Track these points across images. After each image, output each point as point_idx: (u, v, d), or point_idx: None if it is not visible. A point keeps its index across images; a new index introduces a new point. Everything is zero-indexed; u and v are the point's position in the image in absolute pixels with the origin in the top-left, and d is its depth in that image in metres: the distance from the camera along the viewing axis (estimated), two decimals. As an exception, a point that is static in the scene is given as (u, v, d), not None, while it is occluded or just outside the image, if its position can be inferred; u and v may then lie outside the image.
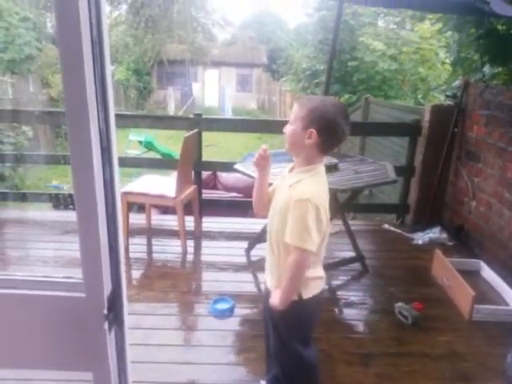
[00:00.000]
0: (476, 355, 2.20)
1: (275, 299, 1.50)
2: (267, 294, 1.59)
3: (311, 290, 1.55)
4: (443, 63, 7.34)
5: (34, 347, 1.00)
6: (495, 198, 3.13)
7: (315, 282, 1.58)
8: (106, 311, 0.91)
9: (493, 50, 3.31)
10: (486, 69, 3.52)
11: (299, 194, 1.37)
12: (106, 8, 0.82)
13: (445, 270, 2.85)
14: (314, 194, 1.37)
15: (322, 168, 1.47)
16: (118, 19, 20.43)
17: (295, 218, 1.37)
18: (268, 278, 1.61)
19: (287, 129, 1.44)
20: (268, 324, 1.68)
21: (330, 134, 1.39)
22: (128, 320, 1.01)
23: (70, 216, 3.52)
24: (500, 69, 3.49)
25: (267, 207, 1.60)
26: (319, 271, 1.60)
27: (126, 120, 4.18)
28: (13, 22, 11.30)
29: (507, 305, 2.62)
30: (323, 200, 1.40)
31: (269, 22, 26.71)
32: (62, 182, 6.67)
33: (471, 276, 2.84)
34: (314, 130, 1.37)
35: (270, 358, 1.77)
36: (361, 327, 2.48)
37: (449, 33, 4.54)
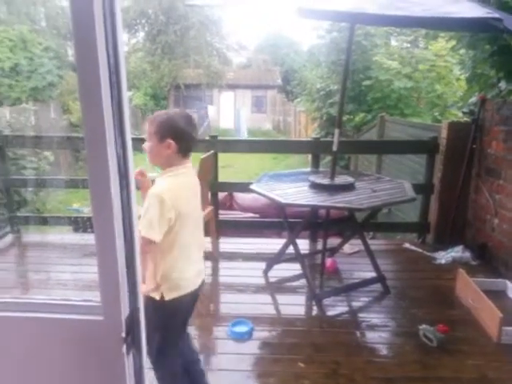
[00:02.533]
0: (506, 380, 2.11)
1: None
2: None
3: (172, 292, 1.58)
4: (458, 79, 7.29)
5: (52, 370, 1.00)
6: (519, 214, 3.04)
7: (178, 283, 1.60)
8: (123, 334, 0.91)
9: (508, 65, 3.28)
10: (502, 84, 3.48)
11: (152, 188, 1.53)
12: (122, 37, 0.84)
13: (469, 290, 2.76)
14: (162, 189, 1.51)
15: (183, 170, 1.60)
16: (135, 46, 21.10)
17: (144, 209, 1.50)
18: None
19: (146, 145, 1.58)
20: None
21: (183, 139, 1.56)
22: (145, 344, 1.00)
23: (90, 239, 3.57)
24: (517, 84, 3.45)
25: None
26: (184, 273, 1.61)
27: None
28: (36, 52, 11.79)
29: (537, 326, 2.51)
30: (172, 196, 1.50)
31: (282, 45, 27.18)
32: (83, 205, 6.79)
33: (497, 296, 2.74)
34: (171, 141, 1.53)
35: None
36: (384, 351, 2.40)
37: (463, 50, 4.53)
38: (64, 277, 3.13)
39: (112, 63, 0.81)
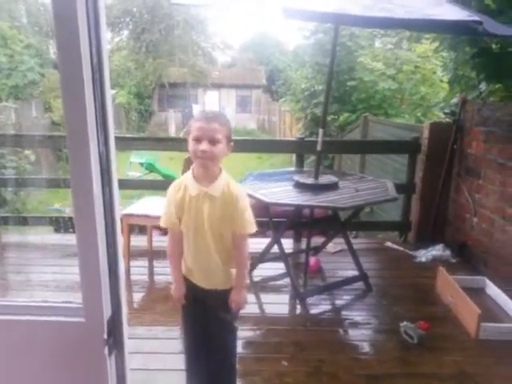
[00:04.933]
0: (485, 376, 2.16)
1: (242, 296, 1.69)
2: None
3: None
4: (441, 81, 7.43)
5: (33, 373, 0.99)
6: (497, 213, 3.12)
7: None
8: (105, 336, 0.90)
9: (488, 67, 3.36)
10: (483, 86, 3.57)
11: (239, 191, 1.59)
12: (106, 35, 0.84)
13: (449, 287, 2.82)
14: (241, 189, 1.62)
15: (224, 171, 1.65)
16: (119, 44, 20.86)
17: (244, 211, 1.59)
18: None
19: (217, 148, 1.51)
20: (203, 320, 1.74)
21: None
22: (128, 344, 1.00)
23: (71, 239, 3.51)
24: (497, 86, 3.53)
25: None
26: None
27: (128, 142, 4.22)
28: (17, 49, 11.55)
29: (514, 322, 2.58)
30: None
31: (267, 45, 27.25)
32: (64, 205, 6.68)
33: (476, 293, 2.80)
34: (232, 143, 1.60)
35: (210, 352, 1.79)
36: (366, 348, 2.43)
37: (445, 52, 4.62)
38: (45, 278, 3.07)
39: (95, 61, 0.81)
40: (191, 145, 1.51)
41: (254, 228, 1.61)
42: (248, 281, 1.71)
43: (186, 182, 1.59)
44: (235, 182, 1.63)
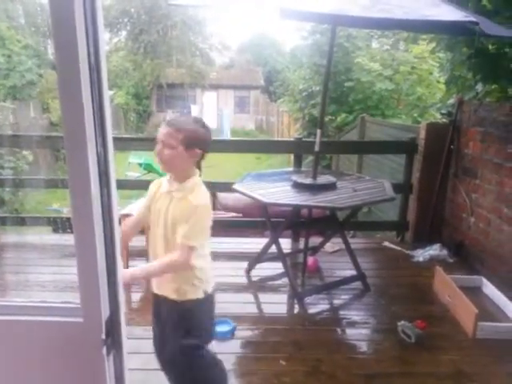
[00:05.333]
0: (482, 375, 2.17)
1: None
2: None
3: (210, 284, 1.70)
4: (438, 82, 7.45)
5: (31, 373, 0.99)
6: (494, 213, 3.13)
7: (211, 276, 1.73)
8: (103, 336, 0.91)
9: (484, 68, 3.37)
10: (479, 87, 3.58)
11: (193, 202, 1.53)
12: (103, 35, 0.84)
13: (446, 287, 2.83)
14: (204, 200, 1.57)
15: (198, 178, 1.63)
16: (117, 45, 20.84)
17: (196, 223, 1.53)
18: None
19: (164, 152, 1.52)
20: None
21: (206, 149, 1.60)
22: (127, 344, 1.00)
23: (69, 239, 3.51)
24: (494, 86, 3.55)
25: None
26: (211, 266, 1.75)
27: (126, 143, 4.22)
28: (15, 50, 11.52)
29: (510, 321, 2.59)
30: (210, 204, 1.61)
31: (265, 46, 27.25)
32: (62, 205, 6.67)
33: (473, 292, 2.82)
34: (198, 151, 1.56)
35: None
36: (364, 347, 2.44)
37: (442, 53, 4.64)
38: (43, 278, 3.07)
39: (93, 61, 0.81)
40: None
41: (194, 243, 1.53)
42: (144, 276, 1.69)
43: (163, 180, 1.66)
44: (204, 191, 1.60)
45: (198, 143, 1.55)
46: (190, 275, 1.60)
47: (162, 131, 1.53)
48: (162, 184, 1.66)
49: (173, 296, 1.62)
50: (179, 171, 1.58)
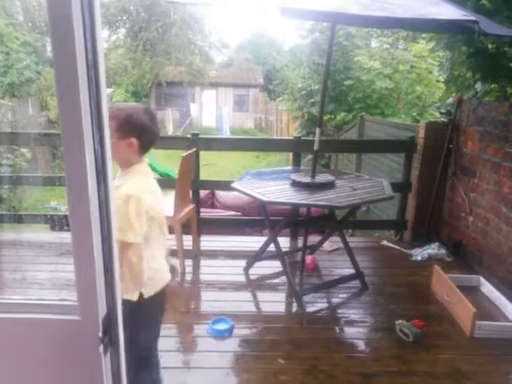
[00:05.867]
0: (479, 373, 2.17)
1: None
2: None
3: (150, 288, 1.54)
4: (437, 81, 7.45)
5: (28, 371, 0.99)
6: (492, 212, 3.13)
7: (155, 278, 1.56)
8: (100, 334, 0.90)
9: (484, 67, 3.37)
10: (478, 86, 3.58)
11: (122, 193, 1.41)
12: (101, 32, 0.83)
13: (444, 286, 2.83)
14: (134, 190, 1.42)
15: (146, 168, 1.54)
16: (116, 43, 20.76)
17: (127, 214, 1.40)
18: None
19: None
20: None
21: (146, 137, 1.49)
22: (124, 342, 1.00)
23: (67, 237, 3.50)
24: (493, 86, 3.55)
25: None
26: (159, 268, 1.59)
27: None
28: (13, 47, 11.49)
29: (508, 320, 2.60)
30: (145, 194, 1.45)
31: (264, 44, 27.20)
32: (60, 203, 6.66)
33: (471, 292, 2.82)
34: (134, 139, 1.45)
35: None
36: (362, 346, 2.44)
37: (441, 52, 4.63)
38: (40, 276, 3.07)
39: (90, 58, 0.80)
40: None
41: (131, 238, 1.40)
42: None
43: None
44: (145, 181, 1.50)
45: (133, 131, 1.44)
46: (125, 272, 1.44)
47: None
48: None
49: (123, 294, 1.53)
50: (120, 161, 1.49)
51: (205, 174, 3.96)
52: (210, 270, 3.35)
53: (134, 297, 1.50)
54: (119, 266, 1.42)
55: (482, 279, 3.00)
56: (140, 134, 1.46)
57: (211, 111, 22.27)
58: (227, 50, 24.91)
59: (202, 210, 3.96)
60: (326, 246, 3.61)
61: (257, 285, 3.11)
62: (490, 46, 3.44)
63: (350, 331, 2.59)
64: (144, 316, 1.55)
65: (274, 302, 2.92)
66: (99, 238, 0.88)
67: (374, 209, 5.72)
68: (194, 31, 21.19)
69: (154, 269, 1.53)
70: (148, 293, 1.52)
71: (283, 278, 3.07)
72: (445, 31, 3.36)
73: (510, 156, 2.94)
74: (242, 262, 3.26)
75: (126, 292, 1.47)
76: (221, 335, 2.42)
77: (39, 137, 4.23)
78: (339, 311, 2.80)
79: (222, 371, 2.15)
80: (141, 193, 1.44)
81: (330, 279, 3.17)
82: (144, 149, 1.51)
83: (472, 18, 2.32)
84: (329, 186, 2.95)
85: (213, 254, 3.57)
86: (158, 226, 1.55)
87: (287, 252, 3.50)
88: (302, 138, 4.28)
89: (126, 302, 1.44)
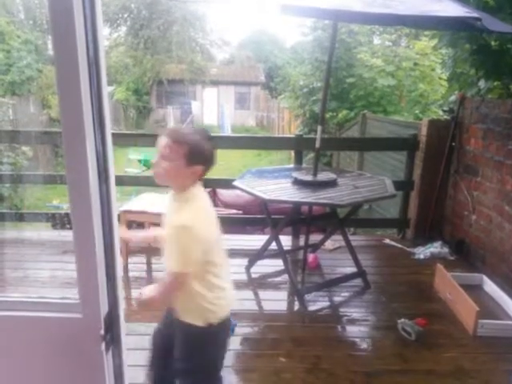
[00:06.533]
0: (482, 372, 2.16)
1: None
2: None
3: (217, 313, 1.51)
4: (440, 78, 7.42)
5: (30, 369, 0.99)
6: (495, 211, 3.12)
7: (222, 303, 1.54)
8: (102, 332, 0.90)
9: (487, 65, 3.35)
10: (482, 83, 3.56)
11: (179, 222, 1.36)
12: (102, 30, 0.83)
13: (447, 284, 2.82)
14: (192, 219, 1.36)
15: (199, 189, 1.46)
16: (117, 40, 20.77)
17: (179, 247, 1.36)
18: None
19: (163, 165, 1.37)
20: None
21: (210, 165, 1.44)
22: (126, 341, 0.99)
23: (68, 235, 3.51)
24: (496, 83, 3.53)
25: None
26: (225, 290, 1.56)
27: (126, 139, 4.21)
28: (14, 45, 11.49)
29: (511, 319, 2.59)
30: (202, 223, 1.40)
31: (266, 42, 27.15)
32: (62, 201, 6.67)
33: (474, 290, 2.81)
34: (200, 167, 1.39)
35: None
36: (364, 344, 2.44)
37: (444, 49, 4.61)
38: (42, 274, 3.07)
39: (91, 56, 0.80)
40: None
41: (178, 269, 1.38)
42: (158, 299, 1.44)
43: None
44: (201, 207, 1.45)
45: (201, 159, 1.39)
46: (187, 299, 1.46)
47: (161, 142, 1.38)
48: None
49: (181, 316, 1.50)
50: (176, 185, 1.44)
51: (206, 173, 3.95)
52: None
53: (199, 322, 1.48)
54: (182, 295, 1.44)
55: (485, 278, 2.98)
56: (205, 162, 1.41)
57: (212, 109, 22.25)
58: (228, 47, 24.90)
59: (203, 208, 3.95)
60: (328, 244, 3.60)
61: (258, 283, 3.10)
62: (493, 43, 3.43)
63: (351, 330, 2.58)
64: (212, 339, 1.53)
65: (276, 301, 2.92)
66: (101, 237, 0.88)
67: (376, 207, 5.71)
68: (196, 29, 21.18)
69: (217, 295, 1.51)
70: (215, 318, 1.49)
71: (285, 277, 3.06)
72: (447, 28, 3.35)
73: (513, 154, 2.92)
74: (244, 261, 3.25)
75: (192, 320, 1.47)
76: (223, 333, 2.42)
77: (40, 135, 4.23)
78: (341, 310, 2.80)
79: (224, 369, 2.15)
80: (198, 222, 1.37)
81: (331, 278, 3.17)
82: (204, 175, 1.46)
83: (475, 15, 2.31)
84: (331, 184, 2.94)
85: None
86: (217, 251, 1.53)
87: (289, 250, 3.50)
88: (304, 135, 4.27)
89: (193, 327, 1.47)
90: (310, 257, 3.30)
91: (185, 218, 1.36)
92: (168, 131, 1.42)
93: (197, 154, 1.37)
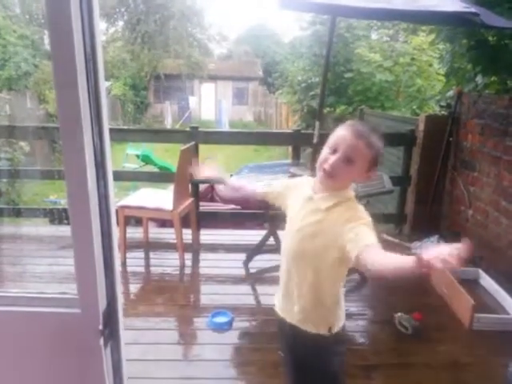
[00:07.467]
0: (477, 365, 2.18)
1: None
2: (289, 328, 1.43)
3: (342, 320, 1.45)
4: (437, 73, 7.41)
5: (29, 364, 0.99)
6: (492, 206, 3.13)
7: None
8: (101, 327, 0.91)
9: (484, 60, 3.35)
10: (479, 79, 3.56)
11: (357, 214, 1.27)
12: (99, 25, 0.83)
13: (444, 279, 2.84)
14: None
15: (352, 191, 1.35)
16: (114, 35, 20.63)
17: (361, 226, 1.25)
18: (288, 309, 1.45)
19: (347, 169, 1.23)
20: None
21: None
22: (125, 335, 1.00)
23: (66, 231, 3.51)
24: (493, 78, 3.53)
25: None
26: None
27: (124, 134, 4.20)
28: (11, 40, 11.41)
29: (506, 313, 2.61)
30: None
31: (263, 37, 27.04)
32: (60, 196, 6.66)
33: (470, 285, 2.83)
34: (375, 170, 1.29)
35: None
36: (361, 338, 2.45)
37: (442, 44, 4.60)
38: (40, 269, 3.08)
39: (88, 51, 0.80)
40: (323, 152, 1.28)
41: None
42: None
43: (307, 182, 1.39)
44: (359, 207, 1.31)
45: (379, 163, 1.29)
46: (329, 302, 1.38)
47: (348, 141, 1.21)
48: (304, 185, 1.38)
49: (314, 329, 1.37)
50: (341, 183, 1.28)
51: (204, 168, 3.95)
52: (210, 263, 3.35)
53: (323, 330, 1.39)
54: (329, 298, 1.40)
55: (481, 272, 3.00)
56: (379, 164, 1.30)
57: (210, 104, 22.18)
58: (226, 42, 24.82)
59: (201, 203, 3.96)
60: (326, 239, 3.61)
61: (256, 278, 3.11)
62: (490, 38, 3.43)
63: (348, 324, 2.58)
64: (335, 349, 1.46)
65: (274, 295, 2.93)
66: (99, 232, 0.88)
67: (374, 202, 5.72)
68: (193, 24, 21.08)
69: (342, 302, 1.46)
70: (339, 325, 1.42)
71: (283, 271, 3.07)
72: (445, 23, 3.35)
73: (510, 149, 2.93)
74: (242, 256, 3.26)
75: (324, 329, 1.38)
76: (220, 328, 2.43)
77: (38, 130, 4.21)
78: (338, 304, 2.81)
79: (222, 363, 2.17)
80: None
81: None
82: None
83: (473, 9, 2.31)
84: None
85: (212, 248, 3.57)
86: None
87: (287, 245, 3.50)
88: (302, 131, 4.27)
89: (318, 337, 1.37)
90: (308, 252, 3.31)
91: (366, 214, 1.29)
92: (357, 131, 1.24)
93: (378, 159, 1.27)
